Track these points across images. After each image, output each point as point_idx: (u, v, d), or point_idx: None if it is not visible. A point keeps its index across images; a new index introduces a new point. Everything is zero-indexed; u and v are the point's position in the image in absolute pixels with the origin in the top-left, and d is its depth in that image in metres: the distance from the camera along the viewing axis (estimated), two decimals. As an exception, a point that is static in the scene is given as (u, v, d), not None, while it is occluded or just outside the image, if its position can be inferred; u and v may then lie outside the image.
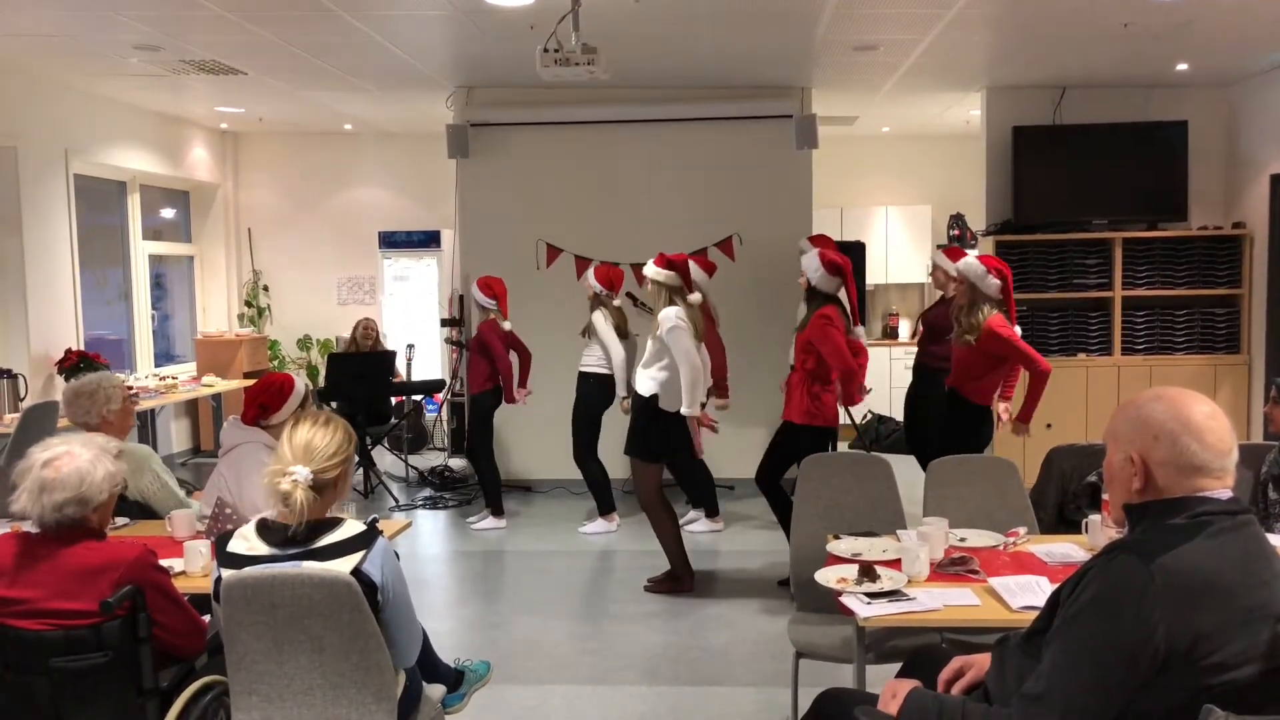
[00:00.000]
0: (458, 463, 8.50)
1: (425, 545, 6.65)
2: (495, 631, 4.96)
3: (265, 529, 2.55)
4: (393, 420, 8.62)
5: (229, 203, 10.35)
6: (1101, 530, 3.31)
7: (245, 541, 2.55)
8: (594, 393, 6.65)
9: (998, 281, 4.98)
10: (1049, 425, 7.33)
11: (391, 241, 10.05)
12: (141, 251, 9.13)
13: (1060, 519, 4.28)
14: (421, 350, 9.43)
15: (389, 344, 9.27)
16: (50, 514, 2.59)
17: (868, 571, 3.00)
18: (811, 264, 5.27)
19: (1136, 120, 7.73)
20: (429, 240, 10.00)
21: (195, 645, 2.79)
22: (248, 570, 2.48)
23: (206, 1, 5.38)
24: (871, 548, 3.37)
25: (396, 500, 7.77)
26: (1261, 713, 1.81)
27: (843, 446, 5.46)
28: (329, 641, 2.50)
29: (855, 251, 8.01)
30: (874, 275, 10.11)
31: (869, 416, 9.32)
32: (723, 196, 7.91)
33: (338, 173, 10.43)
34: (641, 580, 5.62)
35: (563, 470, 7.40)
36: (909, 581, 3.00)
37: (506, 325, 6.84)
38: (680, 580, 5.50)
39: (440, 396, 9.28)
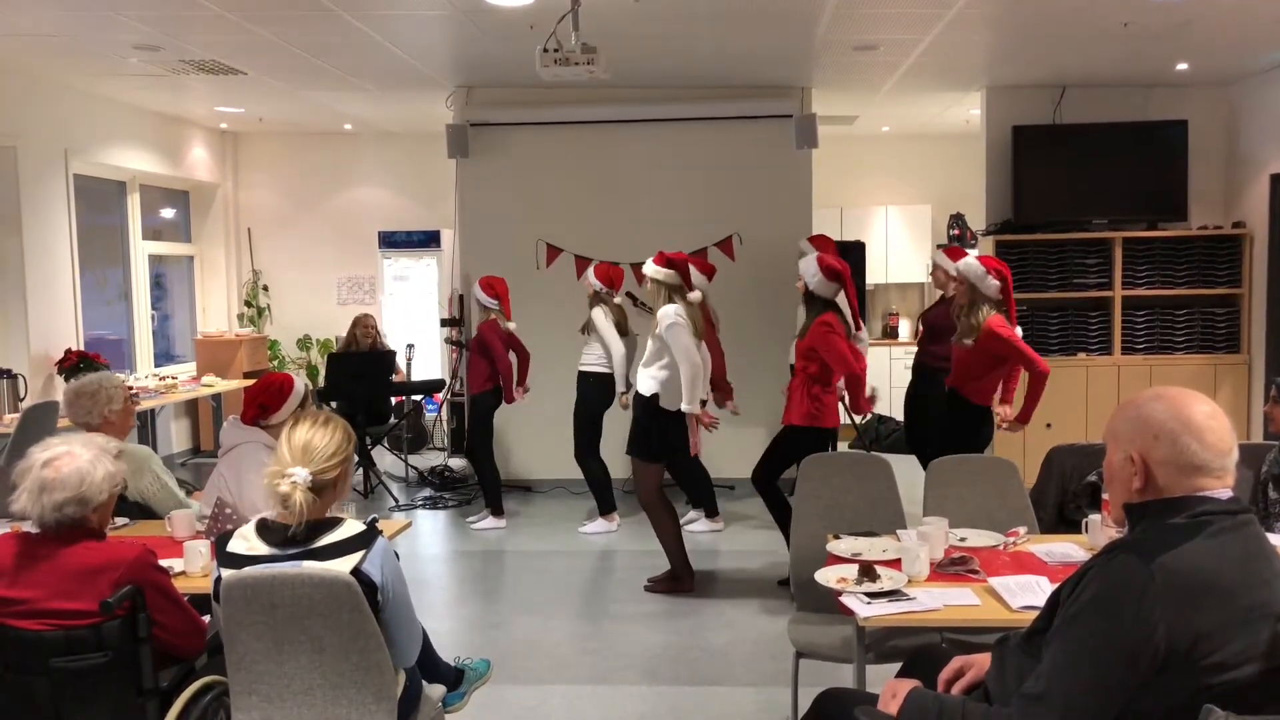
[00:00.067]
0: (457, 463, 8.50)
1: (425, 545, 6.65)
2: (495, 631, 4.96)
3: (265, 529, 2.55)
4: (393, 420, 8.62)
5: (229, 203, 10.35)
6: (1101, 530, 3.31)
7: (245, 541, 2.55)
8: (594, 392, 6.65)
9: (997, 282, 4.98)
10: (1049, 425, 7.32)
11: (391, 241, 10.05)
12: (141, 251, 9.13)
13: (1060, 519, 4.28)
14: (421, 350, 9.42)
15: (389, 344, 9.25)
16: (50, 514, 2.59)
17: (868, 571, 3.00)
18: (809, 269, 5.26)
19: (1136, 120, 7.73)
20: (429, 240, 10.00)
21: (195, 645, 2.79)
22: (247, 570, 2.48)
23: (206, 1, 5.38)
24: (871, 547, 3.37)
25: (396, 500, 7.77)
26: (1262, 712, 1.81)
27: (843, 446, 5.45)
28: (329, 641, 2.50)
29: (855, 251, 8.02)
30: (874, 275, 10.10)
31: (869, 416, 9.32)
32: (723, 196, 7.91)
33: (338, 173, 10.43)
34: (641, 580, 5.62)
35: (563, 470, 7.41)
36: (909, 581, 3.00)
37: (511, 325, 6.84)
38: (680, 580, 5.50)
39: (440, 396, 9.28)
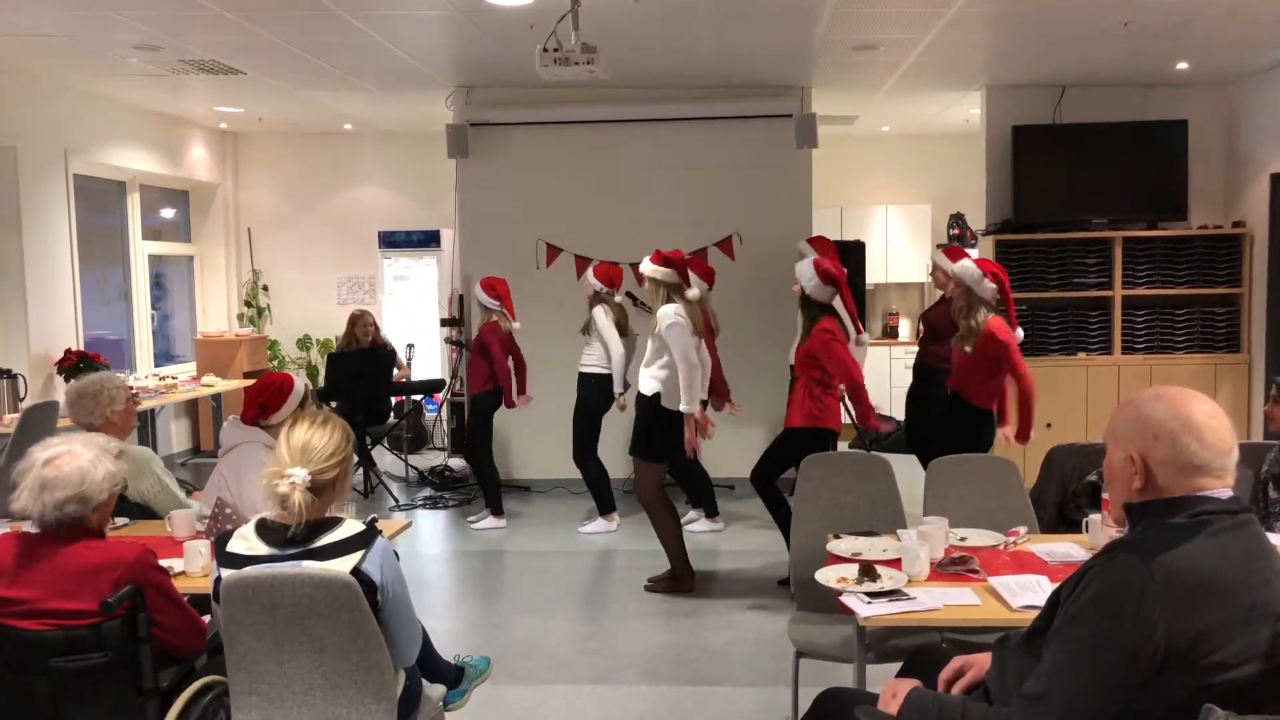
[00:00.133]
0: (457, 462, 8.50)
1: (425, 545, 6.65)
2: (495, 631, 4.96)
3: (264, 529, 2.55)
4: (392, 420, 8.61)
5: (229, 203, 10.35)
6: (1102, 529, 3.31)
7: (245, 541, 2.55)
8: (594, 393, 6.65)
9: (993, 285, 4.98)
10: (1049, 425, 7.32)
11: (391, 241, 10.05)
12: (141, 251, 9.13)
13: (1060, 518, 4.28)
14: (421, 350, 9.42)
15: (389, 340, 9.22)
16: (51, 512, 2.59)
17: (868, 571, 3.00)
18: (806, 272, 5.25)
19: (1136, 119, 7.73)
20: (429, 240, 10.00)
21: (195, 645, 2.79)
22: (247, 570, 2.48)
23: (206, 1, 5.38)
24: (871, 547, 3.37)
25: (396, 500, 7.77)
26: (1262, 712, 1.81)
27: (843, 446, 5.45)
28: (329, 641, 2.50)
29: (855, 251, 8.02)
30: (874, 275, 10.10)
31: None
32: (722, 196, 7.91)
33: (338, 172, 10.43)
34: (641, 580, 5.62)
35: (562, 470, 7.40)
36: (909, 581, 3.00)
37: (516, 325, 6.83)
38: (680, 580, 5.50)
39: (440, 396, 9.28)
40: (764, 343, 7.51)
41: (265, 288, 10.46)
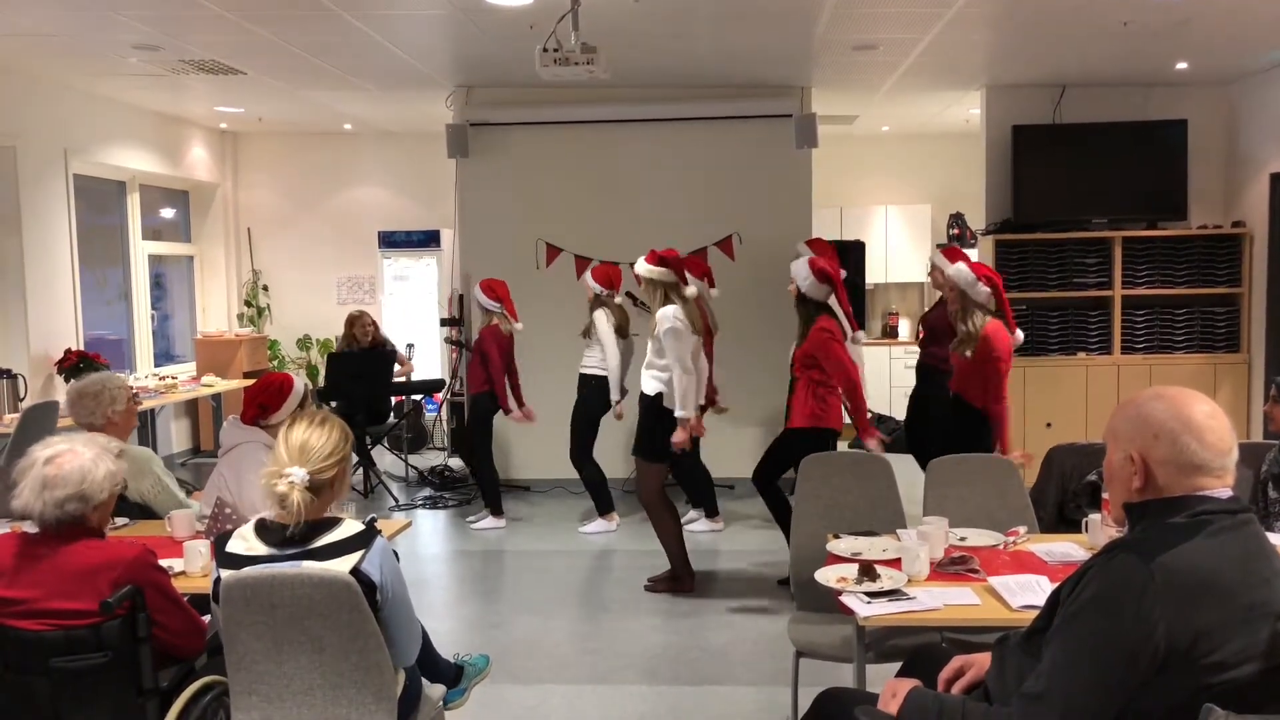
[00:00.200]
0: (457, 462, 8.50)
1: (425, 545, 6.65)
2: (495, 631, 4.97)
3: (263, 529, 2.55)
4: (392, 420, 8.61)
5: (228, 202, 10.35)
6: (1101, 529, 3.31)
7: (244, 542, 2.55)
8: (594, 395, 6.63)
9: (987, 289, 4.98)
10: (1049, 424, 7.33)
11: (391, 241, 10.05)
12: (141, 251, 9.13)
13: (1060, 518, 4.28)
14: (421, 350, 9.42)
15: (389, 340, 9.21)
16: (51, 510, 2.59)
17: (868, 571, 3.00)
18: (801, 271, 5.25)
19: (1136, 119, 7.73)
20: (429, 240, 10.00)
21: (195, 645, 2.79)
22: (247, 570, 2.48)
23: (206, 1, 5.38)
24: (871, 547, 3.37)
25: (396, 500, 7.77)
26: (1261, 711, 1.81)
27: (842, 446, 5.44)
28: (329, 641, 2.50)
29: (855, 251, 8.02)
30: (874, 275, 10.11)
31: (869, 416, 9.30)
32: (722, 196, 7.90)
33: (337, 172, 10.43)
34: (641, 580, 5.62)
35: (562, 470, 7.40)
36: (909, 581, 3.00)
37: (518, 326, 6.81)
38: (680, 580, 5.49)
39: (440, 396, 9.28)
40: (764, 343, 7.50)
41: (265, 288, 10.46)
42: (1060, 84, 7.80)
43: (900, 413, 7.91)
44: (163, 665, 2.70)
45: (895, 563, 3.13)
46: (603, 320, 6.51)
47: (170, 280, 9.93)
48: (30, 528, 2.67)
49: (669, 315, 5.24)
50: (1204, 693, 1.81)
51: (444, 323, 8.72)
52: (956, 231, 10.34)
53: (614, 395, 6.51)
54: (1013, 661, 2.08)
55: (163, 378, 8.70)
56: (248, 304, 10.39)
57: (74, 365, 7.15)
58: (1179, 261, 7.74)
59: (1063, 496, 4.30)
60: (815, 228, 7.75)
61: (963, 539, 3.46)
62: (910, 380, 6.69)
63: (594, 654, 4.65)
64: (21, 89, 7.26)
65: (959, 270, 5.06)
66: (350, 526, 2.56)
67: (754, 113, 7.81)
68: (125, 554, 2.62)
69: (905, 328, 10.56)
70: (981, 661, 2.26)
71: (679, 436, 5.27)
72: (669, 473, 5.80)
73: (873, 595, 2.87)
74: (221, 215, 10.25)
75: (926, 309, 8.08)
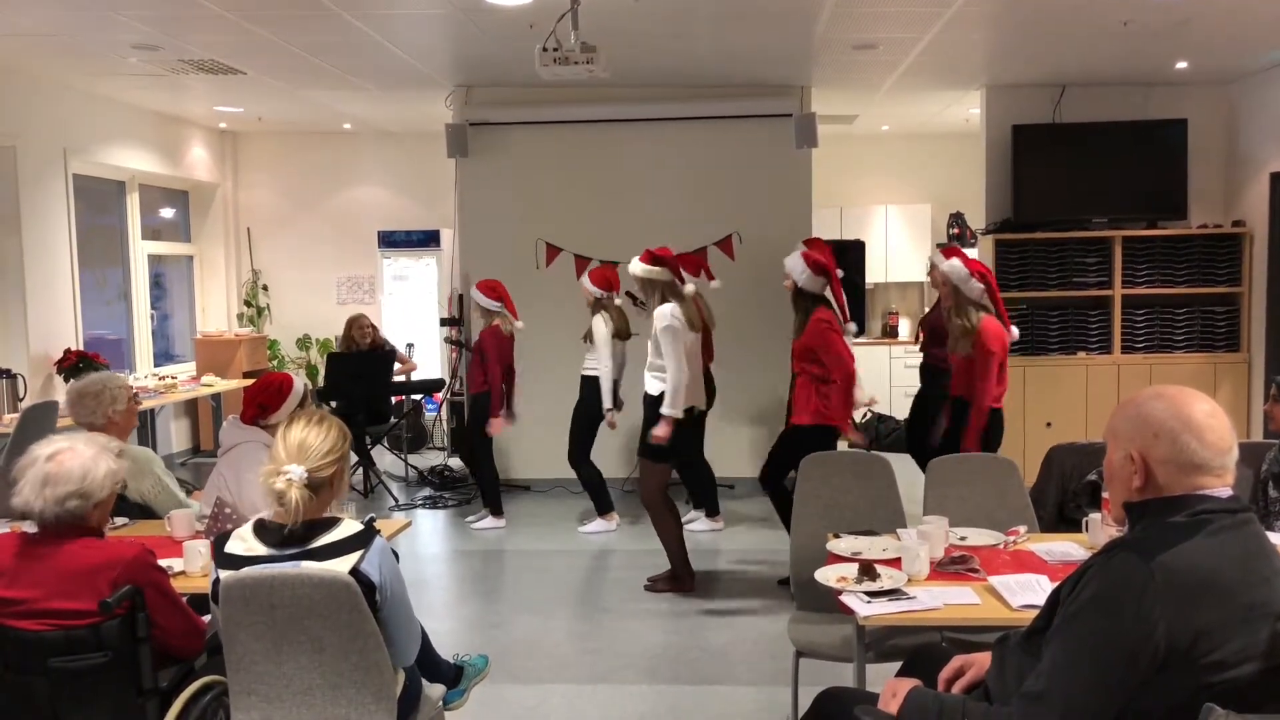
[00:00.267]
0: (457, 462, 8.50)
1: (425, 545, 6.65)
2: (495, 631, 4.96)
3: (263, 529, 2.55)
4: (392, 420, 8.61)
5: (228, 202, 10.35)
6: (1102, 528, 3.31)
7: (243, 542, 2.55)
8: (595, 396, 6.60)
9: (980, 285, 4.97)
10: (1049, 424, 7.33)
11: (391, 241, 10.04)
12: (141, 251, 9.13)
13: (1060, 517, 4.28)
14: (421, 349, 9.42)
15: (389, 341, 9.21)
16: (52, 507, 2.59)
17: (868, 570, 3.00)
18: (796, 266, 5.25)
19: (1136, 118, 7.73)
20: (428, 240, 10.00)
21: (194, 646, 2.79)
22: (246, 571, 2.48)
23: (206, 1, 5.38)
24: (871, 546, 3.37)
25: (396, 500, 7.77)
26: (1261, 711, 1.81)
27: (842, 445, 5.44)
28: (328, 641, 2.50)
29: (855, 251, 8.01)
30: (874, 274, 10.10)
31: (869, 416, 9.31)
32: (722, 196, 7.90)
33: (337, 172, 10.43)
34: (641, 580, 5.62)
35: (561, 470, 7.39)
36: (909, 580, 3.00)
37: (519, 325, 6.79)
38: (680, 580, 5.49)
39: (440, 396, 9.28)
40: (764, 342, 7.50)
41: (265, 287, 10.46)
42: (1060, 84, 7.79)
43: (901, 413, 7.90)
44: (162, 665, 2.70)
45: (895, 562, 3.13)
46: (600, 327, 6.46)
47: (170, 280, 9.93)
48: (30, 528, 2.67)
49: (666, 314, 5.24)
50: (1204, 692, 1.80)
51: (444, 322, 8.72)
52: (956, 231, 10.33)
53: (605, 404, 6.49)
54: (1013, 661, 2.08)
55: (162, 378, 8.70)
56: (247, 304, 10.39)
57: (73, 365, 7.15)
58: (1179, 261, 7.74)
59: (1063, 496, 4.30)
60: (815, 227, 7.74)
61: (963, 538, 3.46)
62: (910, 380, 6.69)
63: (594, 654, 4.65)
64: (21, 89, 7.26)
65: (952, 265, 5.06)
66: (349, 526, 2.56)
67: (754, 112, 7.81)
68: (125, 554, 2.62)
69: (905, 328, 10.55)
70: (981, 661, 2.26)
71: (661, 430, 5.26)
72: (675, 473, 5.78)
73: (873, 595, 2.87)
74: (221, 215, 10.25)
75: (927, 309, 8.08)
